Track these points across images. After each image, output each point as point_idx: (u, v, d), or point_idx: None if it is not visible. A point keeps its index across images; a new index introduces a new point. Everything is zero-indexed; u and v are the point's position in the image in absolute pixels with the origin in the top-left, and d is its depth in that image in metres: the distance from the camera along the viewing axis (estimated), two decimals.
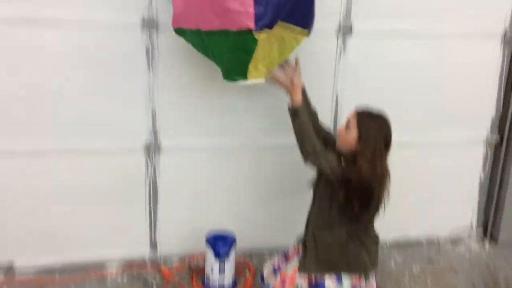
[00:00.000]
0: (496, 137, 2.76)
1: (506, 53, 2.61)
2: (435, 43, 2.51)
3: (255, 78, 1.97)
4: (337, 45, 2.41)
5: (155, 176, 2.40)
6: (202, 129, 2.39)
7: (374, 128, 1.73)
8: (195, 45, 2.01)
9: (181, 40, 2.08)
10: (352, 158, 1.71)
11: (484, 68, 2.63)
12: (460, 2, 2.48)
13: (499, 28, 2.57)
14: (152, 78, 2.25)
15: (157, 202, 2.44)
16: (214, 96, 2.35)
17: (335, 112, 2.51)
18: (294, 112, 1.85)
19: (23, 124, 2.18)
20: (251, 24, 1.73)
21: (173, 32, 2.02)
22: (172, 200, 2.46)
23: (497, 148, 2.78)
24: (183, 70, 2.28)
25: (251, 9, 1.72)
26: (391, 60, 2.49)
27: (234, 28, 1.75)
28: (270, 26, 1.78)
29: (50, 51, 2.12)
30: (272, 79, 2.01)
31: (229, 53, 1.89)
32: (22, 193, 2.27)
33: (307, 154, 1.78)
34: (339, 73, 2.45)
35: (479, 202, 2.88)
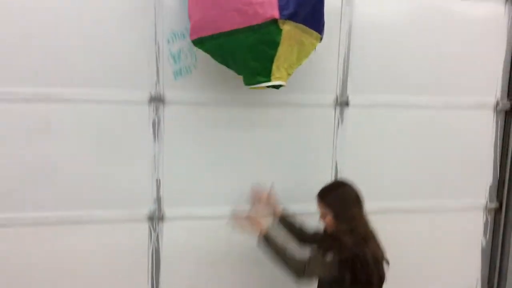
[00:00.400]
0: (495, 203, 2.79)
1: (499, 122, 2.70)
2: (430, 113, 2.62)
3: (278, 80, 1.98)
4: (334, 116, 2.51)
5: (158, 245, 2.43)
6: (207, 198, 2.45)
7: (338, 198, 1.83)
8: (214, 53, 2.03)
9: (186, 112, 2.21)
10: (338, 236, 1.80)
11: (479, 136, 2.71)
12: (453, 75, 2.60)
13: (491, 99, 2.68)
14: (158, 148, 2.34)
15: (159, 271, 2.45)
16: (218, 165, 2.43)
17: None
18: (263, 241, 1.94)
19: (26, 192, 2.25)
20: (276, 13, 1.77)
21: (179, 105, 2.14)
22: (175, 269, 2.46)
23: (496, 214, 2.81)
24: (188, 141, 2.37)
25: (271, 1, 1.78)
26: (388, 130, 2.59)
27: (259, 21, 1.78)
28: (293, 16, 1.81)
29: (59, 123, 2.23)
30: (237, 223, 2.11)
31: (253, 51, 1.89)
32: (20, 264, 2.29)
33: (296, 275, 1.85)
34: (337, 143, 2.53)
35: (482, 270, 2.86)
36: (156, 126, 2.32)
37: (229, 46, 1.92)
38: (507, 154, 2.73)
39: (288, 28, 1.83)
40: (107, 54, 2.21)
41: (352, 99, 2.50)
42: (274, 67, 1.94)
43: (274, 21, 1.79)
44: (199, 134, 2.38)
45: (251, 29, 1.81)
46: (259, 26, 1.80)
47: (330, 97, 2.48)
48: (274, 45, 1.87)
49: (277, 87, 2.04)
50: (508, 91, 2.68)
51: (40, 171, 2.24)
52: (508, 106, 2.68)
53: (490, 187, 2.77)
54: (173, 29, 2.26)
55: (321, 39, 2.10)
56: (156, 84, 2.28)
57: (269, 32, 1.82)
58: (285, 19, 1.79)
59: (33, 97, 2.17)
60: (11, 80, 2.15)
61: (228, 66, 2.06)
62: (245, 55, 1.93)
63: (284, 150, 2.48)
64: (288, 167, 2.49)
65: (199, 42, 2.00)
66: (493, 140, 2.72)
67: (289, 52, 1.95)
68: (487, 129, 2.71)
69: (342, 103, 2.50)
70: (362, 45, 2.47)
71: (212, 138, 2.40)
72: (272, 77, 1.97)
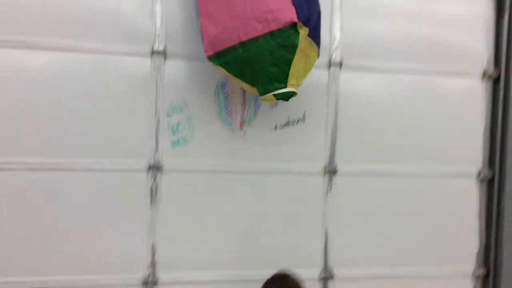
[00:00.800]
0: (483, 270, 2.84)
1: (482, 190, 2.82)
2: (415, 182, 2.73)
3: (292, 87, 2.09)
4: (324, 184, 2.64)
5: None
6: (201, 263, 2.51)
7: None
8: (232, 65, 2.09)
9: (183, 180, 2.36)
10: None
11: (463, 204, 2.81)
12: (436, 146, 2.75)
13: (474, 168, 2.81)
14: (154, 214, 2.45)
15: None
16: (214, 231, 2.52)
17: (325, 247, 2.64)
18: None
19: (26, 257, 2.35)
20: (294, 18, 1.94)
21: (176, 173, 2.27)
22: None
23: (484, 281, 2.85)
24: (184, 207, 2.48)
25: (290, 5, 1.95)
26: (376, 198, 2.69)
27: (279, 25, 1.94)
28: (307, 23, 1.99)
29: (62, 192, 2.35)
30: None
31: (272, 55, 1.99)
32: None
33: None
34: (327, 210, 2.64)
35: None
36: (153, 192, 2.44)
37: (249, 54, 2.02)
38: (491, 221, 2.83)
39: (303, 34, 2.01)
40: (110, 126, 2.38)
41: (340, 167, 2.64)
42: (291, 71, 2.07)
43: (294, 25, 1.97)
44: (195, 200, 2.49)
45: (272, 34, 1.97)
46: (279, 31, 1.96)
47: (319, 165, 2.63)
48: (292, 48, 2.01)
49: (287, 98, 2.15)
50: (489, 161, 2.82)
51: (41, 237, 2.34)
52: (490, 175, 2.81)
53: (477, 253, 2.84)
54: (172, 102, 2.45)
55: (318, 55, 2.28)
56: (155, 153, 2.43)
57: (288, 36, 1.97)
58: (302, 23, 1.98)
59: (38, 166, 2.32)
60: (17, 150, 2.31)
61: (243, 77, 2.13)
62: (265, 60, 2.02)
63: (277, 216, 2.59)
64: (280, 234, 2.59)
65: (215, 57, 2.09)
66: (477, 208, 2.82)
67: (298, 61, 2.09)
68: (470, 197, 2.82)
69: (331, 171, 2.64)
70: (348, 117, 2.64)
71: (207, 205, 2.50)
72: (288, 84, 2.09)
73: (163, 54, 2.40)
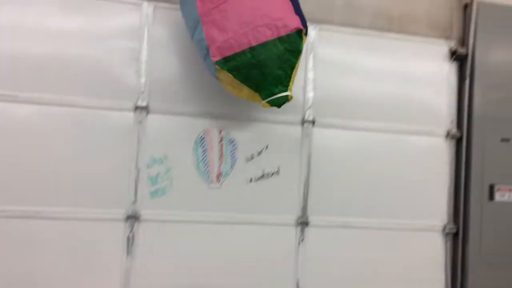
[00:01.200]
0: None
1: (447, 245, 2.95)
2: (384, 234, 2.86)
3: (290, 91, 2.27)
4: (295, 235, 2.75)
5: None
6: None
7: None
8: (239, 70, 2.18)
9: (159, 229, 2.46)
10: None
11: (430, 256, 2.93)
12: (404, 200, 2.89)
13: (439, 222, 2.95)
14: (130, 263, 2.52)
15: None
16: (191, 278, 2.59)
17: None
18: None
19: None
20: (300, 25, 2.17)
21: (153, 223, 2.38)
22: None
23: None
24: (159, 256, 2.56)
25: (294, 14, 2.20)
26: (346, 249, 2.80)
27: (287, 31, 2.14)
28: (306, 32, 2.26)
29: (40, 239, 2.42)
30: None
31: (280, 59, 2.17)
32: None
33: None
34: (299, 261, 2.73)
35: None
36: (130, 242, 2.52)
37: (259, 58, 2.15)
38: (456, 273, 2.94)
39: (305, 40, 2.23)
40: (91, 177, 2.49)
41: (312, 219, 2.76)
42: (292, 76, 2.26)
43: (300, 32, 2.19)
44: (171, 250, 2.57)
45: (281, 39, 2.16)
46: (288, 36, 2.17)
47: (292, 217, 2.74)
48: (297, 53, 2.24)
49: (281, 104, 2.28)
50: (454, 216, 2.97)
51: (16, 286, 2.39)
52: (454, 229, 2.95)
53: None
54: (153, 154, 2.57)
55: None
56: (133, 203, 2.53)
57: (295, 41, 2.19)
58: (306, 28, 2.23)
59: (16, 214, 2.40)
60: None
61: (248, 82, 2.23)
62: (273, 63, 2.18)
63: (250, 266, 2.68)
64: (254, 285, 2.67)
65: (223, 62, 2.16)
66: (443, 261, 2.94)
67: (298, 66, 2.30)
68: (436, 250, 2.94)
69: (303, 223, 2.75)
70: (320, 171, 2.78)
71: (182, 254, 2.59)
72: (288, 87, 2.27)
73: (146, 109, 2.55)
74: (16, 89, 2.42)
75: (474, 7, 2.97)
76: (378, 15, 2.95)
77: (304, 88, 2.77)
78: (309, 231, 2.76)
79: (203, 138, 2.63)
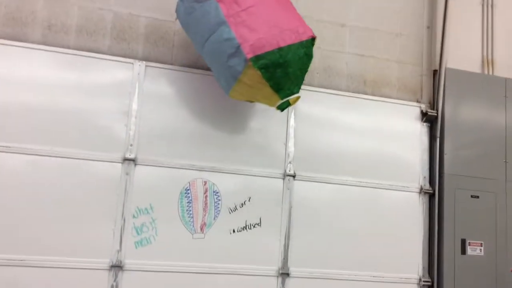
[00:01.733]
0: None
1: None
2: (362, 286, 2.94)
3: (298, 93, 2.47)
4: (277, 286, 2.80)
5: None
6: None
7: None
8: (268, 68, 2.28)
9: (143, 278, 2.51)
10: None
11: None
12: (380, 253, 3.00)
13: (415, 275, 3.05)
14: None
15: None
16: None
17: None
18: None
19: None
20: (313, 34, 2.41)
21: (137, 272, 2.44)
22: None
23: None
24: None
25: (306, 24, 2.44)
26: None
27: (307, 37, 2.37)
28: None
29: (24, 286, 2.45)
30: None
31: (300, 61, 2.37)
32: None
33: None
34: None
35: None
36: None
37: (286, 58, 2.31)
38: None
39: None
40: (77, 226, 2.55)
41: (292, 270, 2.84)
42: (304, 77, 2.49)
43: (313, 39, 2.43)
44: None
45: (301, 44, 2.37)
46: (306, 42, 2.38)
47: (273, 268, 2.82)
48: (311, 58, 2.49)
49: (285, 108, 2.49)
50: (429, 269, 3.08)
51: None
52: (429, 282, 3.06)
53: None
54: (139, 205, 2.66)
55: None
56: (118, 253, 2.59)
57: (310, 47, 2.42)
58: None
59: (4, 262, 2.43)
60: None
61: (272, 80, 2.35)
62: (295, 64, 2.39)
63: None
64: None
65: (255, 60, 2.26)
66: None
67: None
68: None
69: (284, 273, 2.82)
70: (300, 223, 2.89)
71: None
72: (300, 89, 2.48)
73: (134, 161, 2.67)
74: (8, 140, 2.52)
75: (443, 73, 3.25)
76: (353, 78, 3.20)
77: (286, 143, 2.94)
78: (289, 282, 2.83)
79: (188, 189, 2.74)
